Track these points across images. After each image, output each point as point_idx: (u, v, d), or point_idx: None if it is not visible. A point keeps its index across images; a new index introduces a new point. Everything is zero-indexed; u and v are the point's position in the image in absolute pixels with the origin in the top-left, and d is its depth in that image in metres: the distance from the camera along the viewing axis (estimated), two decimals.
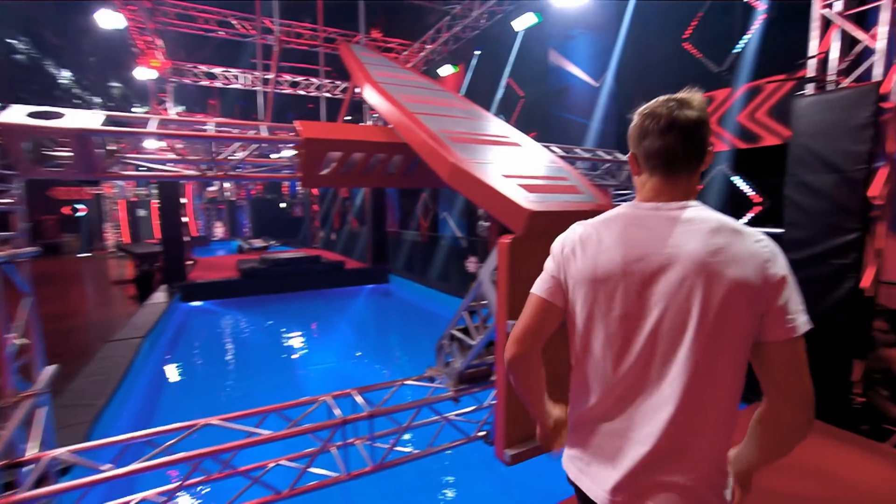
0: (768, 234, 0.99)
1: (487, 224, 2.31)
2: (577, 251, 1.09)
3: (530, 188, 2.34)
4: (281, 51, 6.24)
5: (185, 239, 11.72)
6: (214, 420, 2.62)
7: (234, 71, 11.96)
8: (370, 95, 3.69)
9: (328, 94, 12.50)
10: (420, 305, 9.95)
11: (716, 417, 0.97)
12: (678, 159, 1.04)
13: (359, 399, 3.14)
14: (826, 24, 3.69)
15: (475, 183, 2.30)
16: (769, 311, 0.93)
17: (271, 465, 2.89)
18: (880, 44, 3.33)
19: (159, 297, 8.86)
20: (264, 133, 3.26)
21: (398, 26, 12.37)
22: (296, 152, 3.45)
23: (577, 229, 1.14)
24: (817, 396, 0.96)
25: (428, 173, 3.78)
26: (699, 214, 1.01)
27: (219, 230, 27.75)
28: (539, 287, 1.16)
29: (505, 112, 10.45)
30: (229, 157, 3.24)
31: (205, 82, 11.83)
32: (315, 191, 18.59)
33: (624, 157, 4.81)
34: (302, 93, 12.53)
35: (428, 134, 2.76)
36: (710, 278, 0.94)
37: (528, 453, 2.34)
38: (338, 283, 11.16)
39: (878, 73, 3.36)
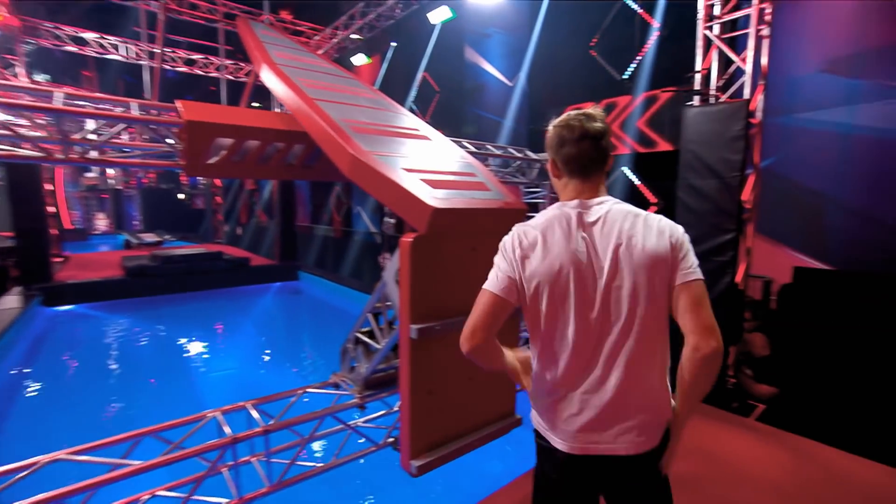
0: None
1: (393, 221, 2.15)
2: (530, 253, 1.24)
3: (435, 184, 2.23)
4: (167, 20, 5.51)
5: (53, 232, 10.10)
6: (62, 454, 2.18)
7: (112, 39, 10.41)
8: (268, 78, 3.35)
9: (231, 77, 11.46)
10: (332, 303, 9.54)
11: (656, 364, 1.21)
12: (592, 162, 1.26)
13: (254, 413, 2.84)
14: (708, 43, 4.03)
15: (376, 177, 2.14)
16: (675, 265, 1.17)
17: (145, 497, 2.50)
18: (748, 66, 3.70)
19: (10, 301, 7.51)
20: (135, 112, 2.81)
21: (311, 9, 11.70)
22: (174, 133, 3.03)
23: (525, 232, 1.28)
24: None
25: (330, 165, 3.54)
26: (615, 207, 1.25)
27: (101, 223, 24.51)
28: (494, 285, 1.26)
29: (421, 106, 10.34)
30: (89, 138, 2.75)
31: (72, 48, 10.12)
32: (218, 182, 17.10)
33: (535, 156, 4.92)
34: (200, 73, 11.35)
35: (328, 122, 2.53)
36: (634, 255, 1.18)
37: (436, 462, 2.24)
38: (243, 281, 10.34)
39: (747, 91, 3.73)
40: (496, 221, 2.27)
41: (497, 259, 1.30)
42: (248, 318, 8.66)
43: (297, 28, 10.39)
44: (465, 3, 7.41)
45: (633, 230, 1.20)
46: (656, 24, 6.89)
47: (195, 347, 7.11)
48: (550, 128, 1.33)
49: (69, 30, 9.94)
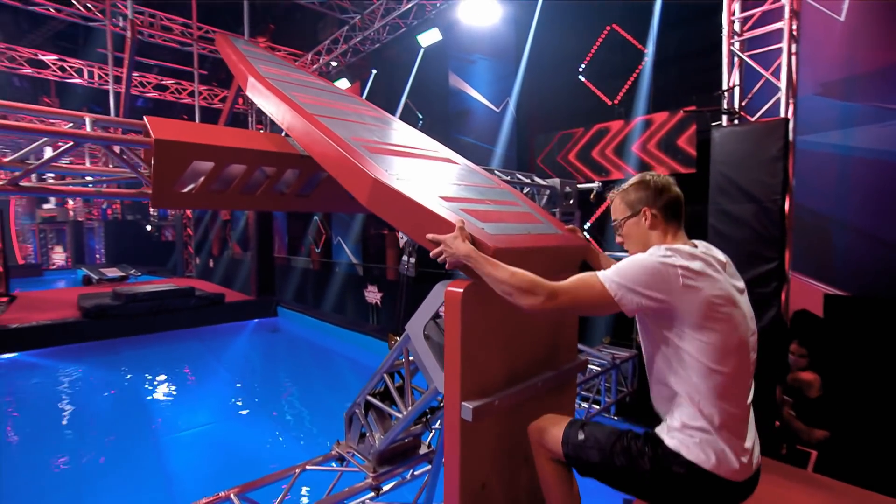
0: None
1: (413, 260, 1.65)
2: (699, 278, 1.22)
3: (481, 216, 1.75)
4: (137, 41, 4.97)
5: None
6: None
7: (74, 62, 9.69)
8: (256, 93, 2.84)
9: (205, 104, 10.86)
10: (313, 341, 8.80)
11: None
12: (683, 209, 1.48)
13: None
14: (733, 60, 3.77)
15: (410, 208, 1.64)
16: None
17: None
18: (783, 83, 3.44)
19: None
20: (88, 128, 2.23)
21: (288, 35, 11.33)
22: (138, 155, 2.46)
23: (688, 253, 1.28)
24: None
25: (332, 194, 3.01)
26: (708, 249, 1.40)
27: (58, 257, 22.89)
28: (618, 287, 1.24)
29: None
30: (27, 162, 2.15)
31: (29, 71, 9.34)
32: (189, 212, 16.18)
33: (543, 182, 4.53)
34: (171, 99, 10.70)
35: (337, 142, 2.03)
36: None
37: None
38: (217, 318, 9.48)
39: (782, 110, 3.46)
40: (558, 261, 1.80)
41: (643, 271, 1.24)
42: (223, 361, 7.83)
43: (276, 53, 9.96)
44: (448, 30, 7.17)
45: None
46: (647, 49, 6.84)
47: (162, 399, 6.25)
48: (634, 183, 1.49)
49: (26, 51, 9.18)
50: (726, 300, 1.23)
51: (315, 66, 9.40)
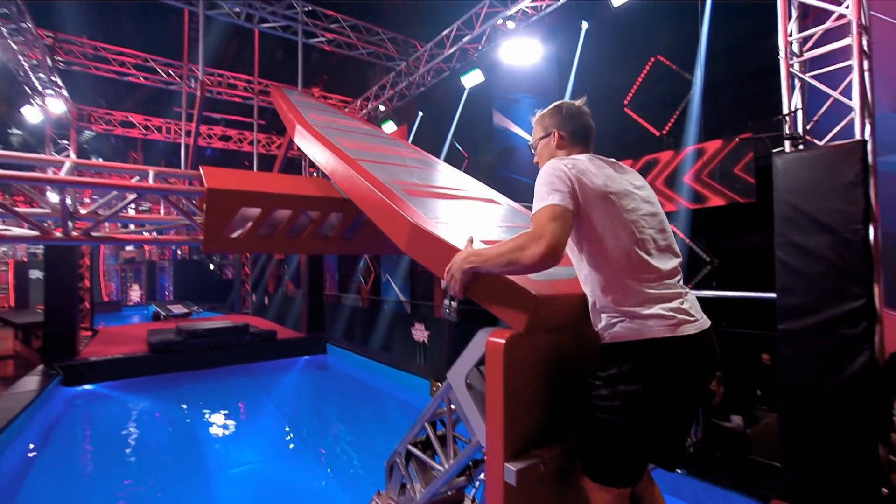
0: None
1: (455, 304, 1.58)
2: (587, 175, 1.38)
3: None
4: (204, 98, 5.43)
5: (85, 305, 9.89)
6: None
7: (155, 121, 10.84)
8: (303, 140, 2.95)
9: (263, 151, 11.64)
10: (361, 379, 8.78)
11: None
12: (593, 135, 1.62)
13: None
14: (793, 82, 3.53)
15: (448, 253, 1.57)
16: None
17: None
18: (855, 103, 3.16)
19: (29, 382, 7.04)
20: (151, 180, 2.38)
21: (339, 84, 12.04)
22: (194, 203, 2.58)
23: (573, 162, 1.41)
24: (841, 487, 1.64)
25: (374, 237, 3.03)
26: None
27: (135, 294, 24.78)
28: (563, 199, 1.32)
29: None
30: (100, 212, 2.31)
31: (119, 132, 10.55)
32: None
33: None
34: (234, 148, 11.58)
35: (375, 185, 2.03)
36: None
37: None
38: (269, 355, 9.73)
39: (857, 131, 3.16)
40: None
41: (551, 182, 1.35)
42: (273, 398, 7.95)
43: (328, 101, 10.60)
44: (490, 71, 7.33)
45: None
46: (694, 77, 6.62)
47: (215, 434, 6.39)
48: (549, 108, 1.64)
49: (119, 115, 10.38)
50: (615, 190, 1.38)
51: (364, 112, 9.85)
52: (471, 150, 9.76)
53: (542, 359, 1.54)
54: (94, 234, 2.24)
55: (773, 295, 3.61)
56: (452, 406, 1.99)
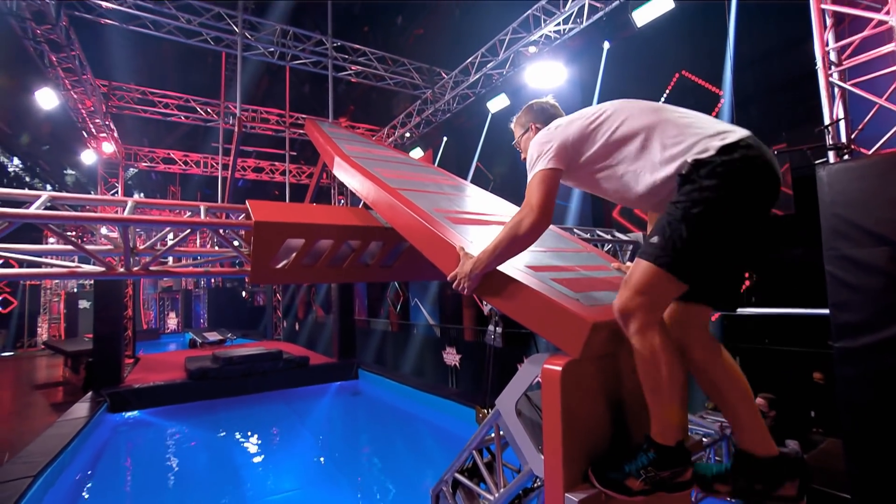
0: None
1: (500, 330, 1.57)
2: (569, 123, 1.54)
3: (573, 284, 1.64)
4: (241, 133, 5.70)
5: (128, 334, 10.28)
6: None
7: (194, 156, 11.43)
8: (341, 171, 3.05)
9: (293, 181, 12.05)
10: (393, 404, 8.74)
11: None
12: None
13: None
14: (833, 91, 3.46)
15: (500, 281, 1.59)
16: None
17: None
18: None
19: (80, 409, 7.31)
20: (202, 216, 2.50)
21: (366, 113, 12.42)
22: (241, 236, 2.68)
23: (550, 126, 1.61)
24: None
25: (413, 264, 3.07)
26: None
27: (172, 322, 25.58)
28: (554, 162, 1.48)
29: None
30: (157, 248, 2.43)
31: (161, 168, 11.17)
32: None
33: (625, 237, 4.31)
34: (266, 179, 12.03)
35: (419, 214, 2.07)
36: None
37: None
38: (302, 381, 9.83)
39: (894, 137, 3.05)
40: None
41: (541, 148, 1.52)
42: (307, 425, 8.00)
43: (356, 130, 10.95)
44: (515, 95, 7.43)
45: None
46: (722, 91, 6.51)
47: (251, 461, 6.45)
48: (523, 109, 1.88)
49: (161, 152, 11.01)
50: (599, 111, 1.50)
51: (391, 139, 10.10)
52: (496, 172, 9.84)
53: (597, 384, 1.51)
54: (152, 268, 2.35)
55: (825, 311, 3.46)
56: (501, 433, 1.97)
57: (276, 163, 11.68)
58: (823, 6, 3.56)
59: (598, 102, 7.58)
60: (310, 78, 11.87)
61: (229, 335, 17.15)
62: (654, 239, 1.30)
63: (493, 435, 2.16)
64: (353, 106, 12.41)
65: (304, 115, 10.22)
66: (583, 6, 5.69)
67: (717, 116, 6.57)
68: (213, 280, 26.57)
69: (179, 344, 18.38)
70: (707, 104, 6.70)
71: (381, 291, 14.07)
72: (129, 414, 8.30)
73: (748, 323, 6.08)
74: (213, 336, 16.77)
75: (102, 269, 2.27)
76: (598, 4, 5.66)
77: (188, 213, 2.59)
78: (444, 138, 10.78)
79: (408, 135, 9.85)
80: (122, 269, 2.28)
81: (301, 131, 10.00)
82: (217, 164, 10.82)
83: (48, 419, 7.07)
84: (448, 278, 1.67)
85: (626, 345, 1.50)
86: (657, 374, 1.28)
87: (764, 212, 1.30)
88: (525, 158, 1.69)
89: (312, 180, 3.94)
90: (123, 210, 2.29)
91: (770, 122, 6.10)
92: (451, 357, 8.24)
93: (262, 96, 12.85)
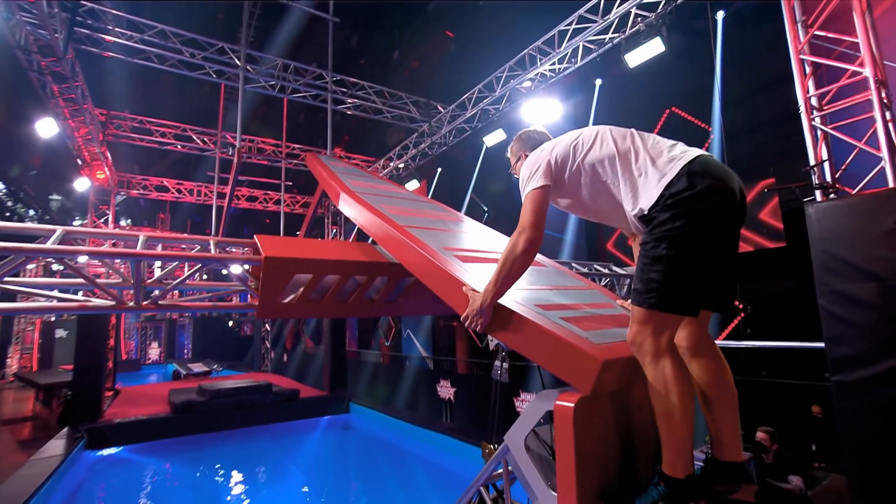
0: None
1: (506, 366, 1.65)
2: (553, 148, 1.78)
3: (582, 324, 1.73)
4: (240, 164, 5.83)
5: (109, 365, 10.04)
6: None
7: (188, 184, 11.54)
8: (347, 206, 3.16)
9: (286, 210, 12.16)
10: (386, 439, 8.60)
11: None
12: None
13: None
14: (816, 134, 3.69)
15: (513, 321, 1.67)
16: None
17: None
18: (884, 153, 3.29)
19: (54, 446, 7.05)
20: (212, 250, 2.57)
21: (361, 144, 12.69)
22: (247, 271, 2.75)
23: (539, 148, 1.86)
24: None
25: (417, 300, 3.15)
26: None
27: (153, 352, 25.00)
28: (541, 180, 1.69)
29: None
30: (164, 281, 2.49)
31: (154, 196, 11.25)
32: None
33: (622, 271, 4.44)
34: (259, 208, 12.15)
35: (429, 252, 2.17)
36: None
37: None
38: (291, 415, 9.64)
39: (890, 179, 3.26)
40: None
41: (534, 172, 1.71)
42: (296, 461, 7.81)
43: (351, 161, 11.16)
44: (511, 129, 7.69)
45: None
46: (712, 126, 6.73)
47: (238, 502, 6.26)
48: (514, 139, 2.13)
49: (154, 180, 11.10)
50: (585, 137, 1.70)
51: (386, 171, 10.31)
52: (491, 204, 10.03)
53: (608, 419, 1.58)
54: (161, 302, 2.40)
55: (819, 344, 3.57)
56: (510, 469, 2.01)
57: (270, 192, 11.81)
58: (802, 56, 3.84)
59: None
60: (305, 108, 12.19)
61: (215, 366, 16.81)
62: (638, 285, 1.46)
63: (500, 471, 2.20)
64: (348, 136, 12.68)
65: (299, 146, 10.44)
66: (577, 48, 6.01)
67: (707, 150, 6.77)
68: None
69: (161, 375, 17.95)
70: (697, 139, 6.98)
71: (372, 322, 13.99)
72: (108, 451, 8.04)
73: (742, 354, 6.18)
74: (198, 367, 16.41)
75: (112, 302, 2.31)
76: (592, 46, 5.98)
77: (196, 248, 2.66)
78: (439, 169, 11.03)
79: (402, 165, 10.08)
80: (132, 304, 2.33)
81: (297, 161, 10.19)
82: (211, 192, 10.94)
83: (15, 458, 6.76)
84: (462, 318, 1.75)
85: (636, 379, 1.58)
86: (668, 402, 1.40)
87: (728, 223, 1.47)
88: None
89: (309, 210, 4.02)
90: (135, 244, 2.36)
91: (759, 156, 6.37)
92: (446, 390, 8.19)
93: (256, 126, 13.09)
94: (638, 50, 5.60)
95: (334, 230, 12.01)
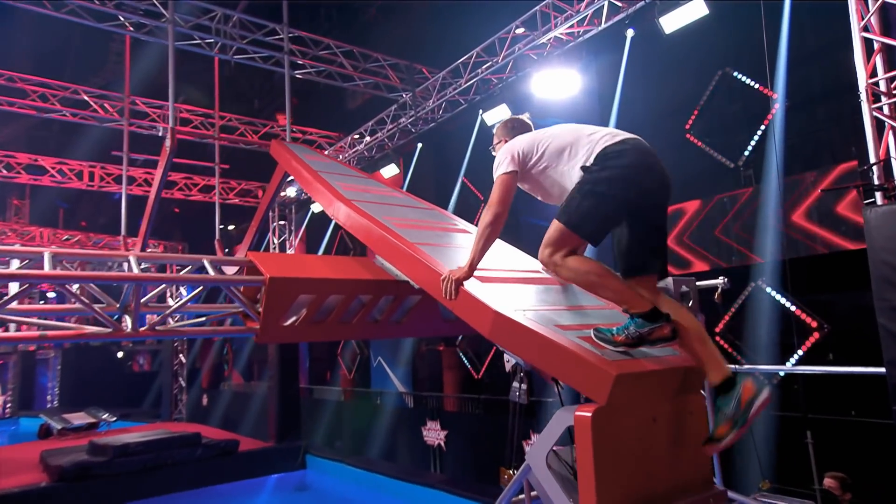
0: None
1: (524, 386, 2.59)
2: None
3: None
4: (175, 149, 6.60)
5: None
6: None
7: (70, 163, 12.05)
8: (342, 215, 4.00)
9: (219, 200, 12.85)
10: (356, 500, 9.41)
11: None
12: None
13: None
14: (880, 126, 4.47)
15: (534, 341, 2.55)
16: None
17: None
18: None
19: None
20: (210, 271, 3.44)
21: (313, 114, 13.41)
22: (239, 291, 3.61)
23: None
24: None
25: (424, 319, 4.07)
26: None
27: None
28: (510, 165, 2.75)
29: (463, 215, 11.18)
30: (150, 305, 3.36)
31: (24, 179, 11.85)
32: None
33: None
34: (178, 196, 12.86)
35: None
36: None
37: None
38: (228, 474, 10.34)
39: None
40: (677, 383, 2.65)
41: (507, 156, 2.79)
42: None
43: (308, 136, 11.91)
44: (520, 105, 8.17)
45: None
46: (776, 92, 7.21)
47: None
48: (500, 124, 3.26)
49: (23, 158, 11.71)
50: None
51: (354, 150, 11.13)
52: (485, 190, 10.83)
53: (627, 431, 2.46)
54: (158, 328, 3.27)
55: (880, 370, 4.26)
56: (533, 493, 2.94)
57: (195, 176, 12.46)
58: (865, 35, 4.55)
59: (620, 104, 8.20)
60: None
61: (104, 416, 17.11)
62: (560, 207, 2.58)
63: (521, 496, 3.13)
64: (297, 99, 13.43)
65: (235, 116, 11.17)
66: (602, 5, 6.89)
67: (769, 125, 7.30)
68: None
69: (9, 435, 17.91)
70: (757, 109, 7.63)
71: (328, 350, 14.70)
72: None
73: (822, 384, 6.54)
74: (78, 419, 16.46)
75: (109, 329, 3.17)
76: (620, 4, 6.87)
77: (188, 268, 3.53)
78: (419, 145, 11.79)
79: (384, 141, 10.79)
80: (128, 330, 3.19)
81: (233, 137, 10.92)
82: (109, 175, 11.61)
83: None
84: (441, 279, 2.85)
85: (652, 394, 2.50)
86: (587, 276, 2.54)
87: (645, 188, 2.50)
88: None
89: (263, 201, 4.73)
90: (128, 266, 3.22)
91: (837, 132, 6.93)
92: (434, 434, 8.96)
93: (163, 85, 13.64)
94: (674, 13, 6.44)
95: (282, 223, 12.71)
